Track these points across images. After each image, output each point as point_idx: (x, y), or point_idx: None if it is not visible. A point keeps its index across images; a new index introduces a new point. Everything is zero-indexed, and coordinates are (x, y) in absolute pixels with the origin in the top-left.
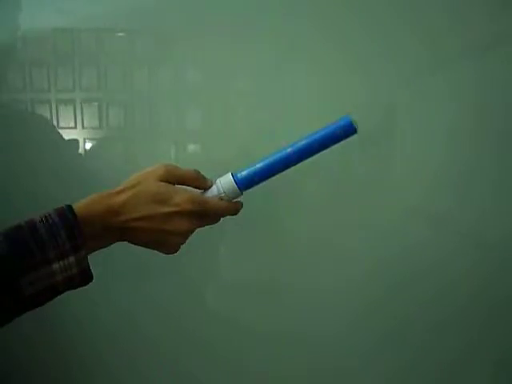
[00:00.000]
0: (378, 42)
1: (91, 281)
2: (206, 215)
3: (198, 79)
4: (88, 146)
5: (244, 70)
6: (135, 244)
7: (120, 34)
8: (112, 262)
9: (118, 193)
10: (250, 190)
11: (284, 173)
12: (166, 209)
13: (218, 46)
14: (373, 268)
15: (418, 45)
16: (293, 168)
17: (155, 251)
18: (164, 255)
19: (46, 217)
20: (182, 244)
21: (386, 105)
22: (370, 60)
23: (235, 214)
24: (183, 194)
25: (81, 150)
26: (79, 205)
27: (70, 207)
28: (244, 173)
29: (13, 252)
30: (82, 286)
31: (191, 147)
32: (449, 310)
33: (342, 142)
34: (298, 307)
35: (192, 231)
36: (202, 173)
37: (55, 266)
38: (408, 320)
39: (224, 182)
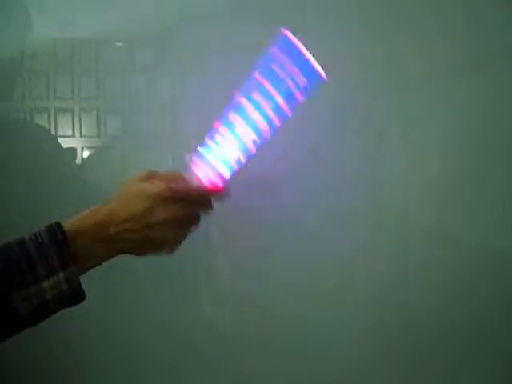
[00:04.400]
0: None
1: (83, 299)
2: (185, 200)
3: (196, 88)
4: (86, 154)
5: (242, 78)
6: (129, 252)
7: (118, 44)
8: (109, 267)
9: (105, 204)
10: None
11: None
12: (145, 204)
13: (216, 55)
14: (378, 280)
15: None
16: (291, 192)
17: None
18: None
19: (35, 234)
20: (172, 237)
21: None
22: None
23: (220, 194)
24: (158, 186)
25: (78, 159)
26: (70, 221)
27: (58, 224)
28: (214, 151)
29: (2, 271)
30: (73, 303)
31: (189, 156)
32: (452, 321)
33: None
34: (301, 320)
35: (176, 220)
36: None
37: (45, 283)
38: (413, 334)
39: (200, 165)
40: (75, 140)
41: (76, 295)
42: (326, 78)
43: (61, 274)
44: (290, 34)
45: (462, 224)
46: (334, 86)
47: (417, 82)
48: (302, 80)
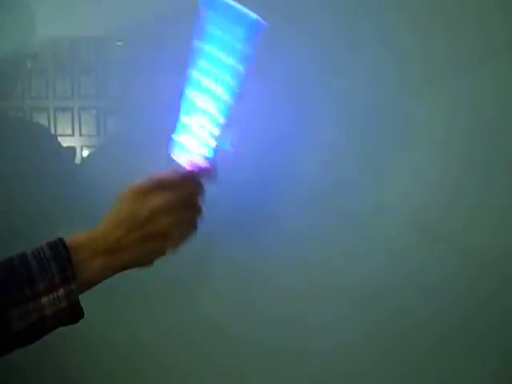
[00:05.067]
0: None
1: (82, 317)
2: (174, 183)
3: None
4: (85, 153)
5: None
6: (135, 262)
7: (119, 43)
8: None
9: (103, 219)
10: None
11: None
12: (134, 205)
13: None
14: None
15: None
16: (291, 193)
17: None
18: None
19: (37, 250)
20: (171, 225)
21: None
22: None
23: (205, 173)
24: (141, 179)
25: (78, 158)
26: (70, 236)
27: (61, 240)
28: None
29: (2, 285)
30: (72, 322)
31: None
32: (452, 323)
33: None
34: (301, 321)
35: (171, 208)
36: None
37: (44, 299)
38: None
39: (177, 153)
40: (75, 139)
41: (75, 313)
42: (265, 24)
43: (61, 291)
44: None
45: (464, 226)
46: (335, 87)
47: (418, 82)
48: (243, 32)
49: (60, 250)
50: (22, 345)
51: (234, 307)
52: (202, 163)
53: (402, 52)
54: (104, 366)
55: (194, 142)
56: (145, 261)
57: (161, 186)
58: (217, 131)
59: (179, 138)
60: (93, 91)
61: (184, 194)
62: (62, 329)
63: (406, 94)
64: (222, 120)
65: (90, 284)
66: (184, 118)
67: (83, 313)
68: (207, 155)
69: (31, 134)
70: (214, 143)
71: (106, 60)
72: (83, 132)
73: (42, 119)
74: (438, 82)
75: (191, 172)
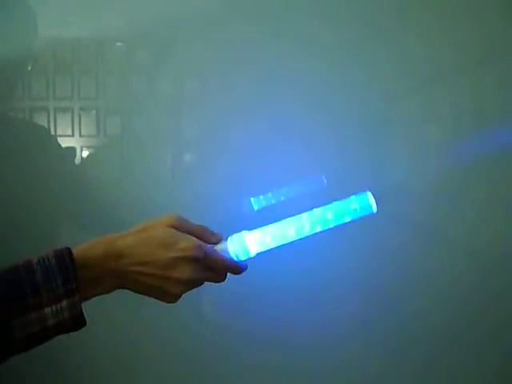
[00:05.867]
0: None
1: (83, 326)
2: (209, 267)
3: (195, 88)
4: (85, 153)
5: (242, 79)
6: (135, 291)
7: (118, 44)
8: None
9: (124, 236)
10: None
11: None
12: (171, 254)
13: (215, 56)
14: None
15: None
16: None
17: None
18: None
19: (43, 258)
20: (182, 293)
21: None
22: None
23: (238, 273)
24: (190, 240)
25: (78, 158)
26: (80, 247)
27: (68, 250)
28: (257, 236)
29: (6, 294)
30: (73, 330)
31: (188, 156)
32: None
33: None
34: (305, 324)
35: (195, 282)
36: (200, 182)
37: (47, 309)
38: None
39: (235, 241)
40: (74, 139)
41: (77, 323)
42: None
43: (64, 302)
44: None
45: (470, 228)
46: (336, 87)
47: (419, 83)
48: (356, 207)
49: (66, 261)
50: (22, 351)
51: (234, 307)
52: (243, 264)
53: (402, 52)
54: (100, 367)
55: (254, 244)
56: (145, 295)
57: (204, 262)
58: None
59: (247, 235)
60: (93, 92)
61: (208, 277)
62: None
63: (407, 96)
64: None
65: (92, 296)
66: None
67: (85, 322)
68: (250, 257)
69: (31, 134)
70: (262, 251)
71: (105, 61)
72: (83, 132)
73: (42, 120)
74: (439, 82)
75: (231, 267)
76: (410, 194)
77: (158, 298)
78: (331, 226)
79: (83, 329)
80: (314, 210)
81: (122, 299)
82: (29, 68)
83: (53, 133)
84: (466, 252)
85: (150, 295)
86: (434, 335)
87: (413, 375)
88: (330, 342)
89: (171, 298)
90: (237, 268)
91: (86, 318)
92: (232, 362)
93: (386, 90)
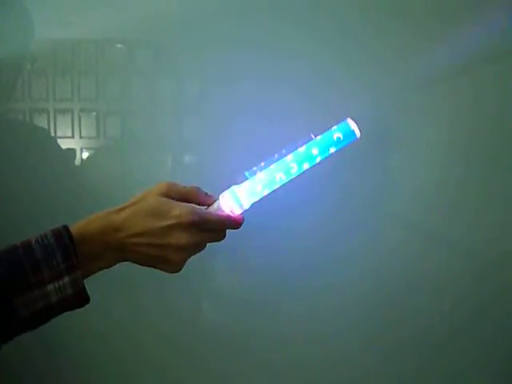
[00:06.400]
0: (378, 55)
1: (87, 302)
2: (207, 228)
3: (196, 90)
4: (85, 155)
5: (242, 81)
6: (137, 263)
7: (119, 45)
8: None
9: (119, 210)
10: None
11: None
12: (166, 221)
13: (216, 58)
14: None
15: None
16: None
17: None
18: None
19: (41, 237)
20: (185, 260)
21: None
22: (370, 72)
23: (237, 227)
24: (183, 207)
25: (78, 160)
26: (77, 224)
27: (66, 227)
28: (246, 187)
29: (7, 273)
30: (77, 307)
31: (189, 158)
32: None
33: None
34: (303, 322)
35: (194, 246)
36: (200, 184)
37: (50, 286)
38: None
39: (227, 197)
40: (74, 141)
41: (80, 299)
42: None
43: (66, 279)
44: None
45: (467, 229)
46: (336, 87)
47: (420, 83)
48: (339, 136)
49: (64, 238)
50: (27, 330)
51: (234, 307)
52: (239, 216)
53: (402, 52)
54: (99, 366)
55: (246, 195)
56: (148, 266)
57: (200, 224)
58: (265, 194)
59: (237, 188)
60: (93, 93)
61: (208, 240)
62: (55, 324)
63: (408, 94)
64: (275, 188)
65: (93, 271)
66: (254, 175)
67: (89, 298)
68: (245, 209)
69: (31, 136)
70: (256, 201)
71: (105, 62)
72: (83, 134)
73: (42, 121)
74: (440, 83)
75: (227, 221)
76: (408, 194)
77: (161, 269)
78: (318, 160)
79: (82, 325)
80: (298, 149)
81: (121, 295)
82: (28, 69)
83: (53, 134)
84: (464, 252)
85: (152, 266)
86: (431, 335)
87: (410, 374)
88: (328, 340)
89: (174, 266)
90: (234, 222)
91: (87, 315)
92: (232, 360)
93: (386, 89)
